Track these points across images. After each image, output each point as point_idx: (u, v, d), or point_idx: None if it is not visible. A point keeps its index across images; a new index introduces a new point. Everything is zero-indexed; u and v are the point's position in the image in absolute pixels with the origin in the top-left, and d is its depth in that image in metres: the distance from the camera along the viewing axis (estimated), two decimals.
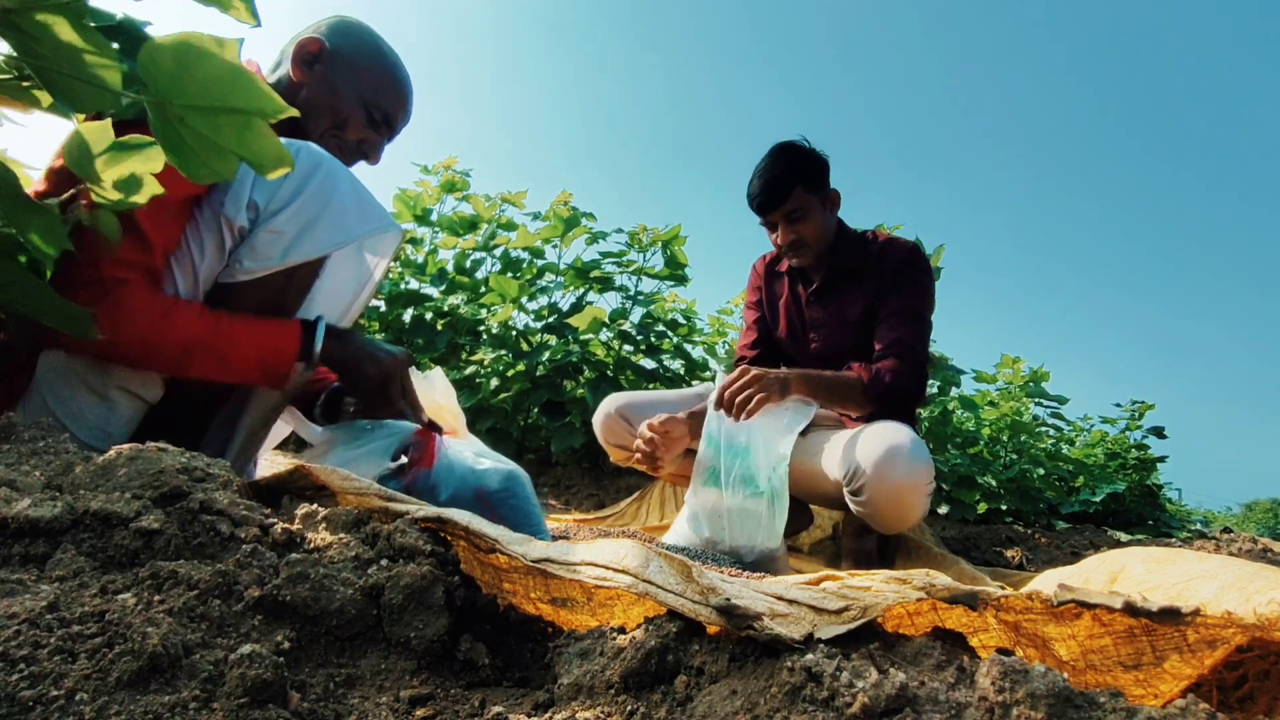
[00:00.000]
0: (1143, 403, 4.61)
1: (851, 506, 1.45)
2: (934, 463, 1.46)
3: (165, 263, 0.97)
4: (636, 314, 3.16)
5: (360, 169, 1.22)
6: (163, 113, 0.62)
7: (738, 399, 1.45)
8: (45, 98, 0.67)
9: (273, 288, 1.02)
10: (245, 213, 0.98)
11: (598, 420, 1.80)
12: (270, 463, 1.66)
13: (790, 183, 1.62)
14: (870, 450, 1.40)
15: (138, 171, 0.70)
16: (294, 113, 0.64)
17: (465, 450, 1.14)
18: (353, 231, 1.05)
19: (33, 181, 0.92)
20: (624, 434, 1.76)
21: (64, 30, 0.60)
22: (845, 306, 1.70)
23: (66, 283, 0.88)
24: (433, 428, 1.19)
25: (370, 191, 1.09)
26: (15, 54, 0.62)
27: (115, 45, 0.64)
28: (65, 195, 0.72)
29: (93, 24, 0.61)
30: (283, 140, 1.04)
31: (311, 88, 1.14)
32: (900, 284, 1.62)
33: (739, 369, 1.48)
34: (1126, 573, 0.66)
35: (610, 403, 1.79)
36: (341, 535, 0.62)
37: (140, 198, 0.72)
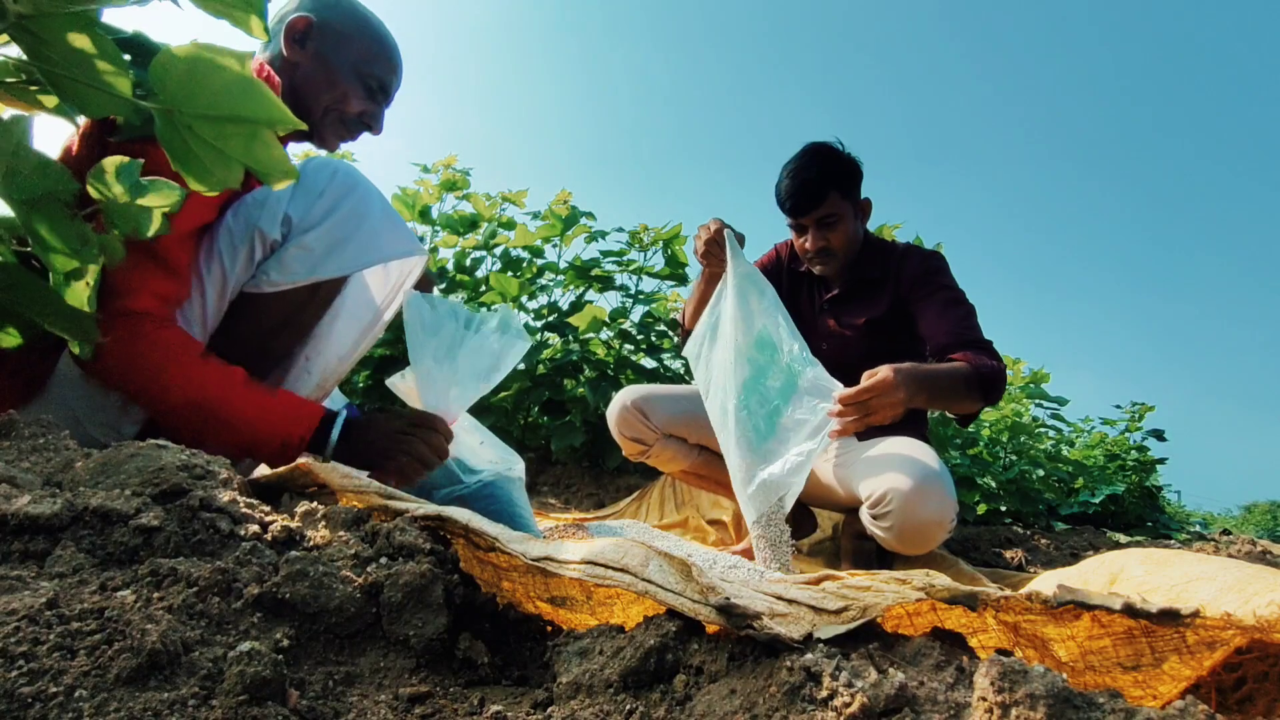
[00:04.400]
0: (1142, 404, 4.62)
1: (870, 527, 1.44)
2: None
3: (186, 292, 0.97)
4: (637, 313, 3.16)
5: (374, 182, 1.22)
6: (170, 121, 0.62)
7: (856, 415, 1.24)
8: (51, 100, 0.67)
9: (296, 302, 1.03)
10: (279, 226, 0.99)
11: (613, 413, 1.76)
12: None
13: (825, 187, 1.58)
14: (901, 479, 1.36)
15: (155, 206, 0.71)
16: (302, 126, 0.64)
17: (462, 448, 1.14)
18: (380, 254, 1.06)
19: None
20: (640, 427, 1.74)
21: (75, 37, 0.60)
22: (859, 317, 1.68)
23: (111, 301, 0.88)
24: None
25: (400, 216, 1.10)
26: (26, 59, 0.62)
27: (127, 57, 0.64)
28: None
29: (106, 36, 0.62)
30: (322, 158, 1.06)
31: (305, 66, 1.13)
32: (932, 285, 1.59)
33: (881, 380, 1.24)
34: (1126, 574, 0.66)
35: (626, 395, 1.76)
36: (341, 533, 0.62)
37: (151, 230, 0.72)
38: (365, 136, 1.22)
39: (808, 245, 1.65)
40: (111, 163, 0.69)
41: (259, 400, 0.96)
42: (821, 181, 1.58)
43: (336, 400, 1.45)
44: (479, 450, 1.19)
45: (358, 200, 1.03)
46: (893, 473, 1.38)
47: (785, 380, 1.33)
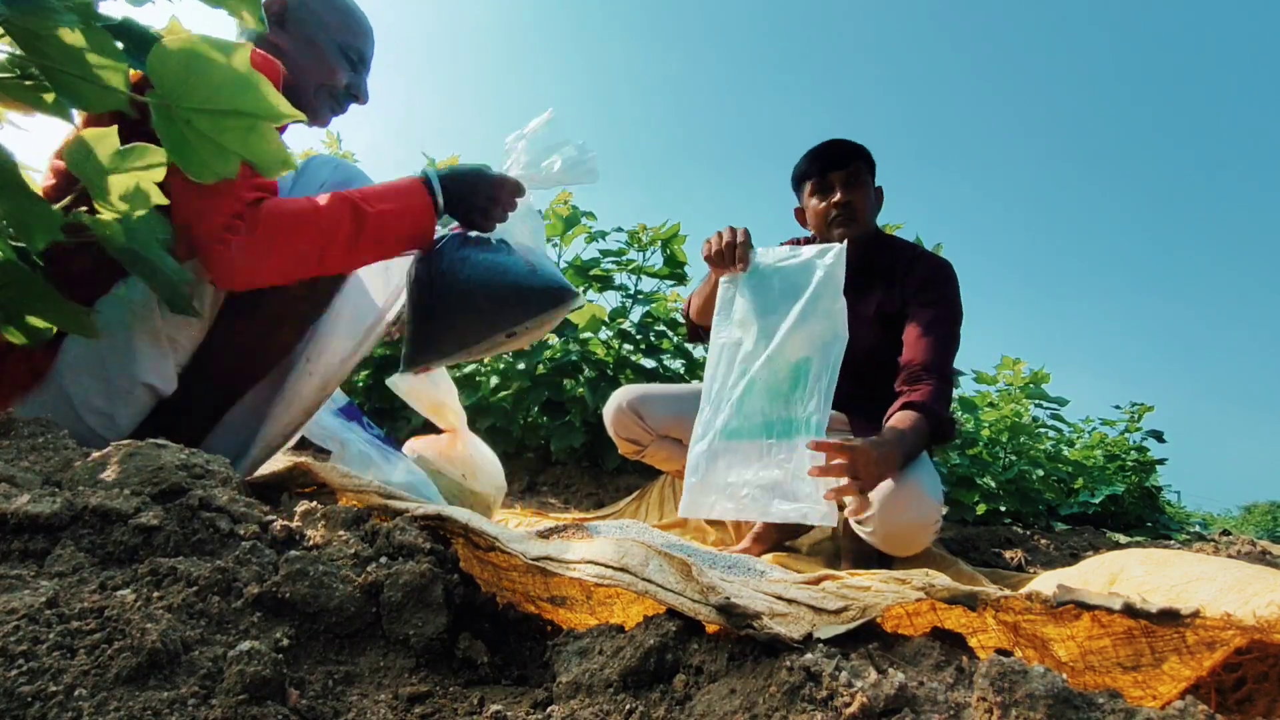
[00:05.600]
0: (1142, 405, 4.61)
1: (857, 531, 1.45)
2: (941, 486, 1.44)
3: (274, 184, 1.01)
4: (636, 313, 3.16)
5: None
6: (167, 114, 0.62)
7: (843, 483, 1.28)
8: (49, 97, 0.67)
9: (293, 295, 1.03)
10: None
11: (609, 413, 1.77)
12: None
13: (854, 154, 1.65)
14: (881, 486, 1.35)
15: (141, 178, 0.70)
16: (302, 117, 0.65)
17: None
18: None
19: (34, 181, 0.92)
20: (635, 428, 1.73)
21: (70, 32, 0.60)
22: (866, 307, 1.68)
23: (195, 239, 0.91)
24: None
25: None
26: (21, 54, 0.62)
27: (120, 45, 0.64)
28: (66, 200, 0.72)
29: (98, 25, 0.62)
30: (325, 155, 1.07)
31: (290, 48, 1.15)
32: (931, 296, 1.61)
33: (872, 455, 1.26)
34: (1126, 574, 0.66)
35: (622, 395, 1.76)
36: (340, 533, 0.62)
37: (141, 206, 0.72)
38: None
39: (835, 199, 1.65)
40: (85, 138, 0.68)
41: (380, 192, 1.03)
42: (851, 148, 1.65)
43: (338, 397, 1.45)
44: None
45: None
46: None
47: (790, 421, 1.34)
